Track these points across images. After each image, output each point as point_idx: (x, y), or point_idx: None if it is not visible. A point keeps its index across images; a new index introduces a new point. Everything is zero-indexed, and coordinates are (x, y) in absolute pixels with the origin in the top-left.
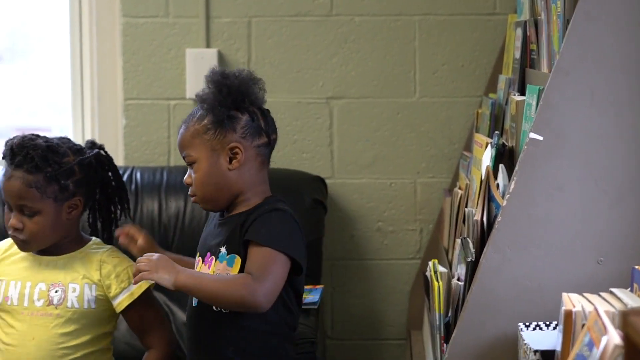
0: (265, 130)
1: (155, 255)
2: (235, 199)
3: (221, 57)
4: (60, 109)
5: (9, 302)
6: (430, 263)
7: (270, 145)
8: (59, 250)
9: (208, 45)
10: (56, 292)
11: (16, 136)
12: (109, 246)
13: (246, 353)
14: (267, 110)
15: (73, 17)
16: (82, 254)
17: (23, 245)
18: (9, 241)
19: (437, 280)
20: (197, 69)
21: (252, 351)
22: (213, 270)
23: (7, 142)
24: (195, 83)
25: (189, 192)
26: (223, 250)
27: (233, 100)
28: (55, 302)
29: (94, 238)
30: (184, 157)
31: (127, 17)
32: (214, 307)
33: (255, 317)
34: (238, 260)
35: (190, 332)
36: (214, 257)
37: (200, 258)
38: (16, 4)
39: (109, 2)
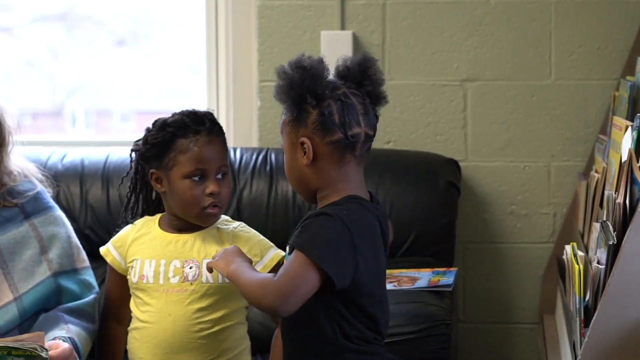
0: (340, 125)
1: (230, 247)
2: (315, 194)
3: (356, 40)
4: (184, 93)
5: (144, 281)
6: (569, 246)
7: (349, 140)
8: (192, 228)
9: (343, 28)
10: (190, 268)
11: (183, 111)
12: (239, 222)
13: (300, 358)
14: (356, 100)
15: (209, 1)
16: (213, 230)
17: (218, 212)
18: (140, 222)
19: (577, 263)
20: (332, 51)
21: (306, 357)
22: None
23: (181, 115)
24: (330, 65)
25: None
26: (287, 249)
27: (298, 95)
28: (190, 278)
29: (222, 215)
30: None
31: (263, 0)
32: None
33: (306, 326)
34: None
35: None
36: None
37: None
38: None
39: None
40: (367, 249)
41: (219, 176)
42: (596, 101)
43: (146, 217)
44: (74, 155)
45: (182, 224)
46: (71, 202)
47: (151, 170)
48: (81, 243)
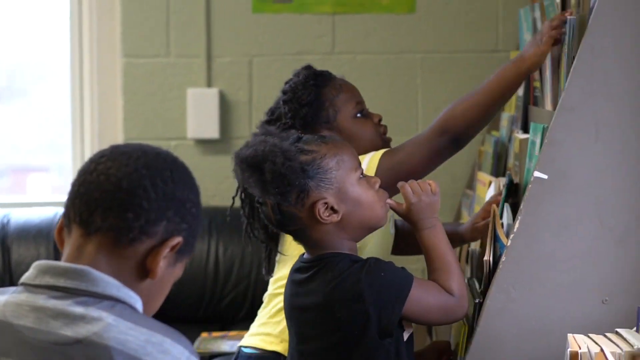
0: None
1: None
2: None
3: (222, 97)
4: (59, 149)
5: None
6: None
7: None
8: None
9: (209, 85)
10: None
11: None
12: None
13: None
14: None
15: (74, 57)
16: None
17: None
18: None
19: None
20: (198, 108)
21: None
22: None
23: (304, 69)
24: (196, 122)
25: None
26: None
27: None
28: None
29: None
30: None
31: (128, 57)
32: None
33: None
34: None
35: None
36: None
37: None
38: (14, 44)
39: (110, 42)
40: None
41: None
42: (462, 156)
43: None
44: None
45: None
46: None
47: None
48: None
